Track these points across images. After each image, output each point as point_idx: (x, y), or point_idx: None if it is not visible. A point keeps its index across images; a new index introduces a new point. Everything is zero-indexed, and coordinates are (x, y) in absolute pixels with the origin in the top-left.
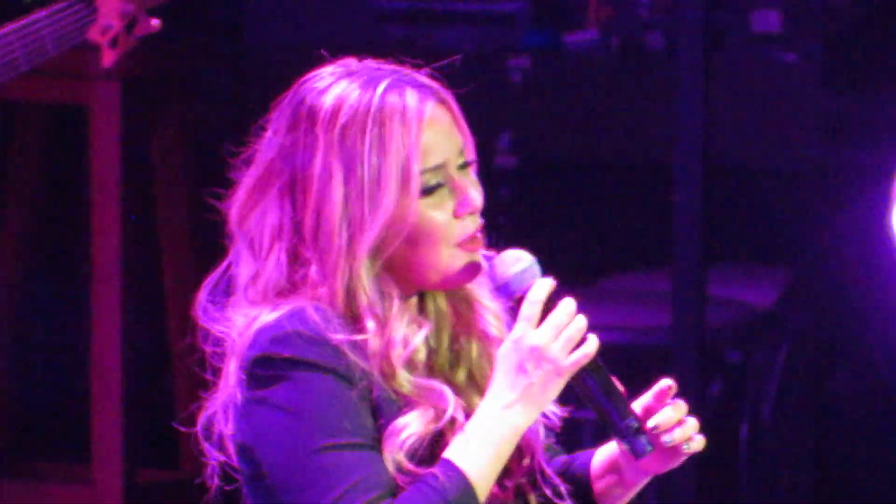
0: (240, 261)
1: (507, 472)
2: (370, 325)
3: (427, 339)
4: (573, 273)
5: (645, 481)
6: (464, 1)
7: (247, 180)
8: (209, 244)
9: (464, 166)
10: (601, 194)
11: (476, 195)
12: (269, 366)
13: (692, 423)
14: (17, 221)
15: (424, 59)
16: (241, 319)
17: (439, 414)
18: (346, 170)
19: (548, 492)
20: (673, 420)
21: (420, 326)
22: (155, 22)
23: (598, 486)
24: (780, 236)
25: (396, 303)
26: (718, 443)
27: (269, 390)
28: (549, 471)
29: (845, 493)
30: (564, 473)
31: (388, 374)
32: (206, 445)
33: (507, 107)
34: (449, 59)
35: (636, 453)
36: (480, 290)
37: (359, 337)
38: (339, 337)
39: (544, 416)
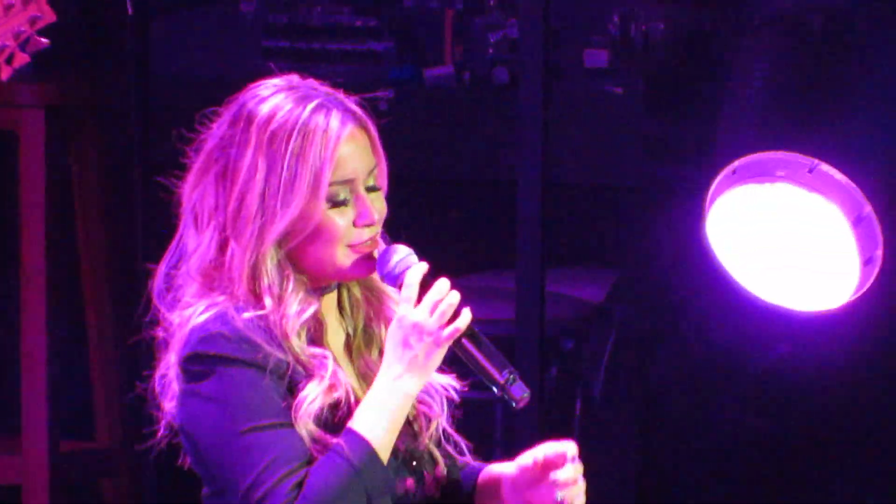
0: (186, 234)
1: (413, 438)
2: (268, 301)
3: (345, 326)
4: (432, 273)
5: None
6: (338, 42)
7: (194, 164)
8: (121, 250)
9: (373, 189)
10: (455, 207)
11: (375, 211)
12: (199, 362)
13: (582, 485)
14: None
15: None
16: (177, 318)
17: (332, 382)
18: (268, 169)
19: (451, 449)
20: (571, 479)
21: (311, 305)
22: (44, 41)
23: (477, 501)
24: (608, 242)
25: (292, 284)
26: (555, 419)
27: (198, 384)
28: (450, 431)
29: (665, 460)
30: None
31: (287, 347)
32: (156, 411)
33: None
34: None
35: (514, 400)
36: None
37: (260, 312)
38: (247, 315)
39: (444, 388)
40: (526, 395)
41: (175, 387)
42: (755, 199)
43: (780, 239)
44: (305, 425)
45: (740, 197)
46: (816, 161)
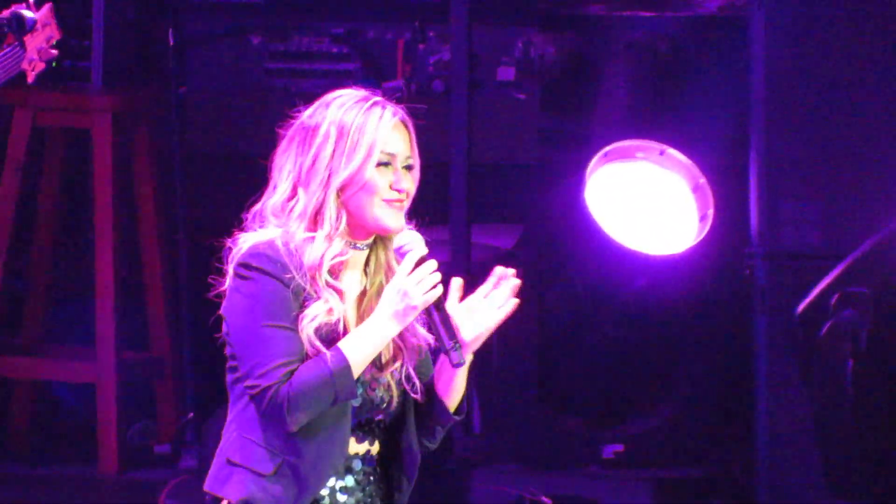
0: (269, 188)
1: (384, 367)
2: (320, 235)
3: (364, 283)
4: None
5: (458, 376)
6: (320, 63)
7: (283, 139)
8: (166, 214)
9: (407, 168)
10: None
11: (405, 183)
12: (245, 269)
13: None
14: (49, 211)
15: (294, 99)
16: (239, 240)
17: (331, 307)
18: (338, 137)
19: (407, 386)
20: (505, 295)
21: (347, 253)
22: (54, 52)
23: (438, 385)
24: (515, 205)
25: (342, 229)
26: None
27: (241, 283)
28: (412, 373)
29: (555, 362)
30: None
31: (312, 275)
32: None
33: None
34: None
35: (452, 362)
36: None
37: (308, 236)
38: (293, 246)
39: (416, 339)
40: (462, 361)
41: (227, 285)
42: (621, 174)
43: (639, 202)
44: (306, 333)
45: (610, 172)
46: (665, 146)
